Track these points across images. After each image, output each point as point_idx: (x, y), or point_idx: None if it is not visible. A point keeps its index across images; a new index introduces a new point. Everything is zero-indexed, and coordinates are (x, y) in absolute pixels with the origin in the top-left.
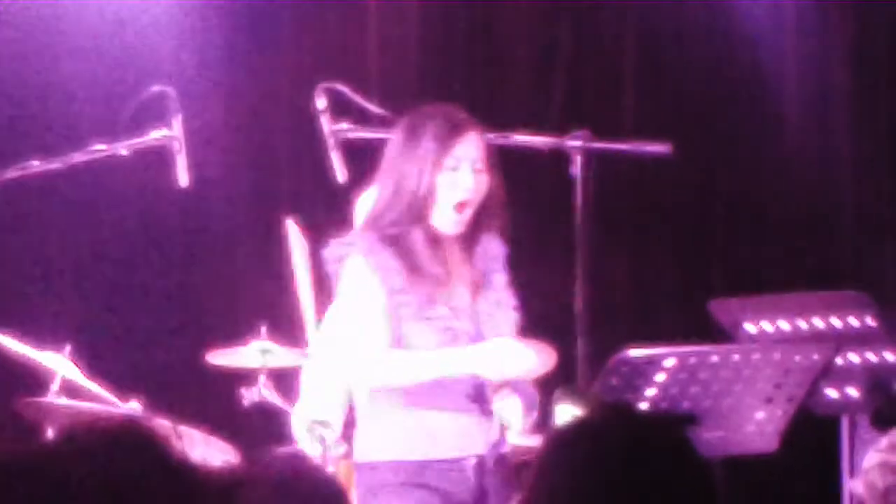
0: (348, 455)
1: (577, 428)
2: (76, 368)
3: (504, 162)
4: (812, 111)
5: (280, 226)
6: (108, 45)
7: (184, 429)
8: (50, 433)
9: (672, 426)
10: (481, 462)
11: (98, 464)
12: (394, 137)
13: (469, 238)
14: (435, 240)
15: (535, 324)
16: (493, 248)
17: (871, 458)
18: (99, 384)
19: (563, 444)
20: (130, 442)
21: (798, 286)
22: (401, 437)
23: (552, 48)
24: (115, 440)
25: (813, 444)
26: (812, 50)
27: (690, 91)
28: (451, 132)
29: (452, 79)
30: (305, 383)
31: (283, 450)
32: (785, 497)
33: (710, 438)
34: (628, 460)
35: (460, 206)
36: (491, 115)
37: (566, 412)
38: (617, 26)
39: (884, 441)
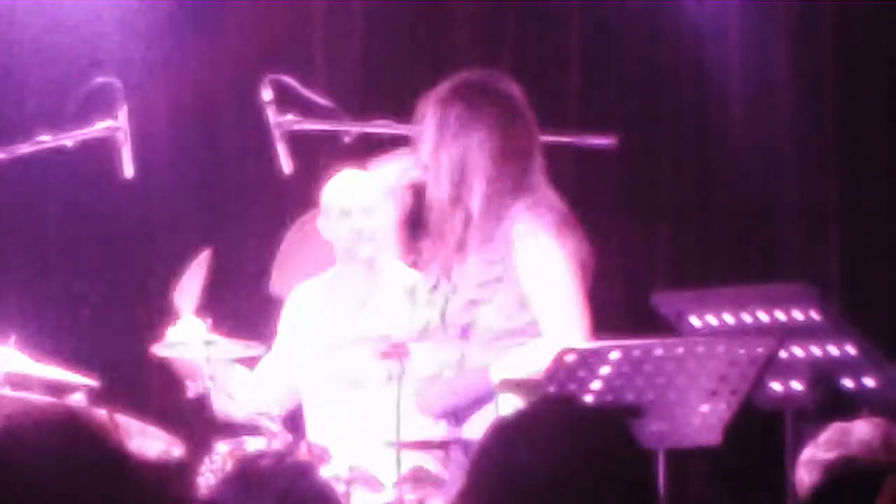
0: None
1: (519, 419)
2: (24, 358)
3: None
4: (755, 102)
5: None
6: (53, 35)
7: (122, 419)
8: None
9: (614, 418)
10: None
11: (32, 455)
12: None
13: None
14: None
15: None
16: None
17: (804, 454)
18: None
19: (505, 434)
20: (65, 432)
21: (742, 276)
22: None
23: (497, 40)
24: (50, 431)
25: (757, 437)
26: (756, 38)
27: (634, 81)
28: None
29: (398, 71)
30: (257, 373)
31: (229, 443)
32: (729, 490)
33: (655, 431)
34: (569, 451)
35: None
36: None
37: (508, 403)
38: (562, 16)
39: (821, 436)
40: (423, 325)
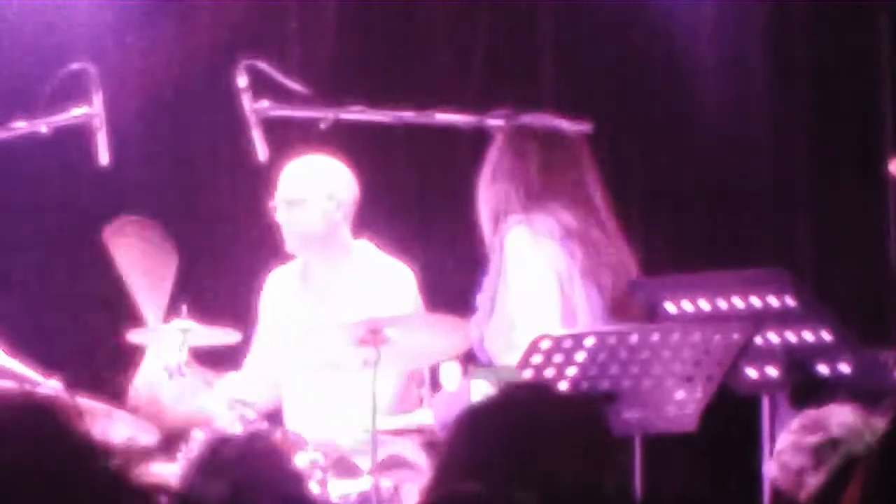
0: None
1: (490, 405)
2: None
3: (425, 139)
4: (728, 84)
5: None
6: (27, 21)
7: (87, 403)
8: None
9: (588, 404)
10: None
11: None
12: None
13: None
14: None
15: (448, 302)
16: None
17: (784, 440)
18: (20, 363)
19: (476, 420)
20: (27, 418)
21: (713, 261)
22: None
23: (471, 27)
24: (12, 416)
25: (733, 423)
26: (729, 22)
27: (607, 66)
28: None
29: (371, 56)
30: (246, 373)
31: (205, 430)
32: (704, 476)
33: (630, 418)
34: (539, 437)
35: None
36: (410, 93)
37: (481, 389)
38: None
39: (795, 422)
40: None
